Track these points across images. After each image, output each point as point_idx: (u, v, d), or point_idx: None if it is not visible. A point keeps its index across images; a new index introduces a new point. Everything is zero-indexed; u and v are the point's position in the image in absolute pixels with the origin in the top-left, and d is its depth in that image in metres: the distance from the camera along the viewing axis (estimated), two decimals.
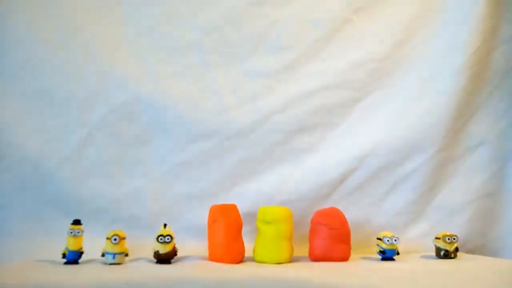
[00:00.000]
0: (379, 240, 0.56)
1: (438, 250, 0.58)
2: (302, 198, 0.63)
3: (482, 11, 0.65)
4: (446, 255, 0.57)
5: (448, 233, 0.57)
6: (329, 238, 0.54)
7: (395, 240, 0.55)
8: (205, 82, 0.64)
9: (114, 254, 0.50)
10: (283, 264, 0.53)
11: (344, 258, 0.53)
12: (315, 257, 0.54)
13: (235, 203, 0.56)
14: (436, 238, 0.58)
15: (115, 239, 0.50)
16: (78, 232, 0.50)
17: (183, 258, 0.54)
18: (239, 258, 0.53)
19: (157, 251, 0.51)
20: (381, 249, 0.55)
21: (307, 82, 0.65)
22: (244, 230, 0.55)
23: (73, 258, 0.50)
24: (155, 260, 0.51)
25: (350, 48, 0.66)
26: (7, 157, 0.60)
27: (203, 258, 0.54)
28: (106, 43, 0.63)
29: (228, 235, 0.52)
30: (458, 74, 0.65)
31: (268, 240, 0.53)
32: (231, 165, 0.63)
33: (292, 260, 0.54)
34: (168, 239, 0.51)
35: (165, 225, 0.53)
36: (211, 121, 0.63)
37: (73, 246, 0.50)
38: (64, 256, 0.50)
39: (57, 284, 0.41)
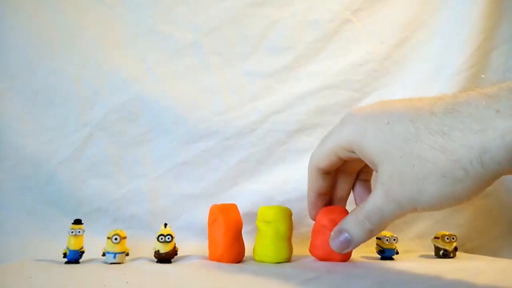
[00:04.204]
0: (378, 240, 0.56)
1: (437, 249, 0.58)
2: (303, 197, 0.63)
3: (482, 11, 0.65)
4: (445, 254, 0.57)
5: (447, 233, 0.57)
6: None
7: (394, 240, 0.55)
8: (205, 82, 0.64)
9: (115, 254, 0.50)
10: (283, 264, 0.53)
11: (344, 259, 0.53)
12: (317, 257, 0.53)
13: (235, 203, 0.56)
14: (435, 237, 0.58)
15: (116, 239, 0.50)
16: (79, 232, 0.50)
17: (183, 258, 0.54)
18: (239, 258, 0.53)
19: (158, 251, 0.51)
20: (380, 249, 0.56)
21: (307, 82, 0.65)
22: (244, 229, 0.55)
23: (74, 257, 0.50)
24: (156, 260, 0.51)
25: (350, 48, 0.66)
26: (7, 158, 0.60)
27: (203, 258, 0.54)
28: (106, 43, 0.63)
29: (228, 234, 0.52)
30: (458, 74, 0.65)
31: (268, 240, 0.53)
32: (231, 164, 0.64)
33: (292, 259, 0.54)
34: (168, 238, 0.51)
35: (165, 224, 0.53)
36: (211, 121, 0.63)
37: (74, 246, 0.50)
38: (65, 255, 0.50)
39: (58, 283, 0.41)
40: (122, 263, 0.51)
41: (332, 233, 0.42)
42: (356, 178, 0.50)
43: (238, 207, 0.56)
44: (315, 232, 0.54)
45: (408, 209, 0.35)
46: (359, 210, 0.40)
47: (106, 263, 0.50)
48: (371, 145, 0.35)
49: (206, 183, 0.63)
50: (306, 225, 0.62)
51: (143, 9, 0.64)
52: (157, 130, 0.63)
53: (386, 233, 0.56)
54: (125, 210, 0.62)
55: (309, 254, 0.55)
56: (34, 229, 0.60)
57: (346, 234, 0.41)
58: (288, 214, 0.55)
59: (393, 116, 0.35)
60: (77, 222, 0.51)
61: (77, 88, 0.62)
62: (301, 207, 0.63)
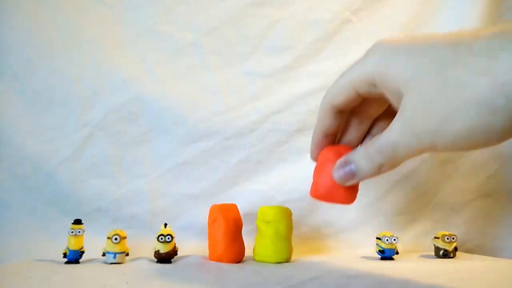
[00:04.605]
0: (378, 240, 0.56)
1: (437, 249, 0.58)
2: (302, 197, 0.63)
3: (482, 11, 0.65)
4: (445, 254, 0.57)
5: (447, 233, 0.57)
6: None
7: (394, 240, 0.55)
8: (205, 82, 0.64)
9: (115, 254, 0.50)
10: (283, 264, 0.53)
11: (349, 200, 0.41)
12: (318, 195, 0.42)
13: (235, 203, 0.56)
14: (435, 237, 0.58)
15: (116, 239, 0.50)
16: (79, 232, 0.50)
17: (183, 258, 0.54)
18: (239, 258, 0.53)
19: (158, 251, 0.51)
20: (380, 249, 0.56)
21: (307, 82, 0.65)
22: (244, 229, 0.55)
23: (74, 257, 0.50)
24: (156, 260, 0.51)
25: (350, 48, 0.66)
26: (7, 158, 0.60)
27: (203, 258, 0.54)
28: (106, 43, 0.63)
29: (228, 234, 0.52)
30: None
31: (268, 240, 0.53)
32: (231, 165, 0.64)
33: (292, 259, 0.55)
34: (168, 238, 0.51)
35: (165, 224, 0.53)
36: (211, 121, 0.63)
37: (74, 246, 0.50)
38: (65, 255, 0.50)
39: (58, 283, 0.41)
40: (122, 263, 0.51)
41: (337, 162, 0.37)
42: (369, 131, 0.45)
43: (238, 207, 0.56)
44: (317, 169, 0.43)
45: (427, 144, 0.29)
46: (371, 143, 0.34)
47: (106, 263, 0.50)
48: (398, 73, 0.30)
49: (206, 183, 0.63)
50: (306, 225, 0.62)
51: (143, 9, 0.64)
52: (157, 130, 0.63)
53: (386, 233, 0.56)
54: (125, 210, 0.62)
55: (309, 254, 0.56)
56: (34, 229, 0.60)
57: (352, 165, 0.35)
58: (288, 214, 0.55)
59: (429, 42, 0.30)
60: (77, 222, 0.51)
61: (77, 88, 0.62)
62: (301, 207, 0.64)
